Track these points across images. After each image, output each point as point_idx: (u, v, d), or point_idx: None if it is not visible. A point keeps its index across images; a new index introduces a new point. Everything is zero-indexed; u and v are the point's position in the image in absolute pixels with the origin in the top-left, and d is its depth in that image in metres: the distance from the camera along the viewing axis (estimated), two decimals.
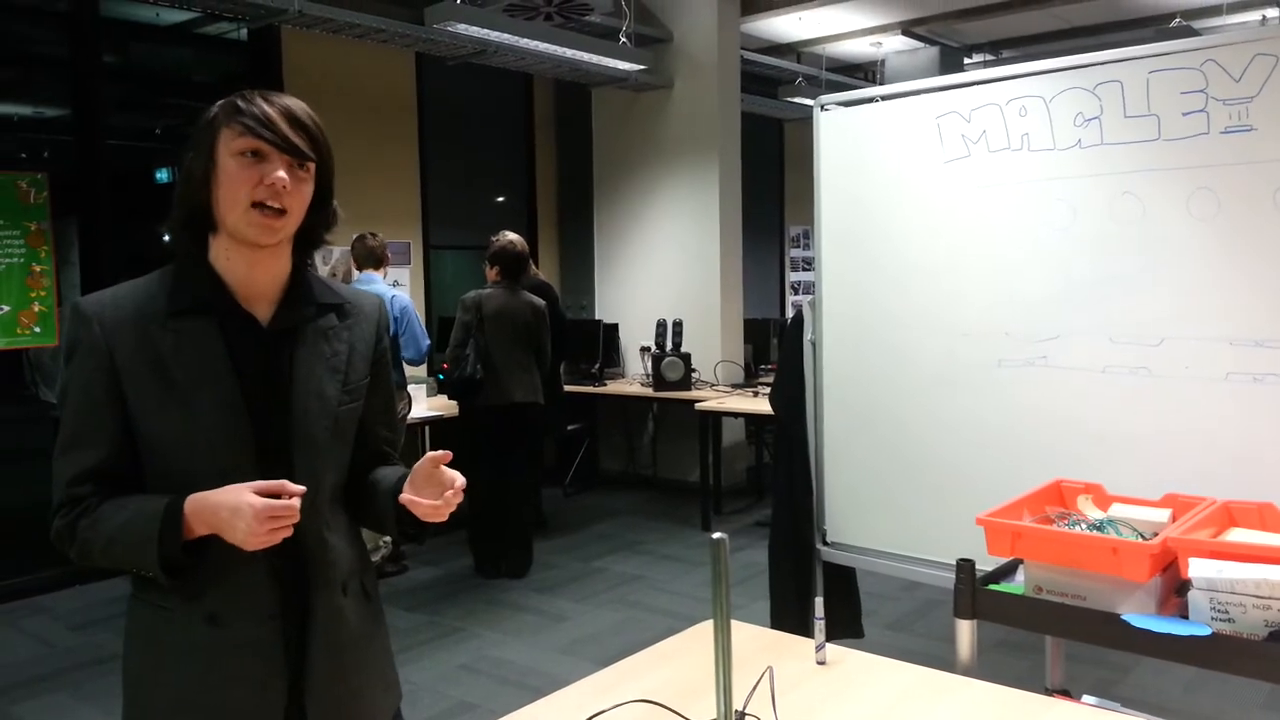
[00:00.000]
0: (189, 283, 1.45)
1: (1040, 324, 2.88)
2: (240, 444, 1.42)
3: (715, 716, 1.49)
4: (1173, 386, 2.63)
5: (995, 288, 2.97)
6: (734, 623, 2.05)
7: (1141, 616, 1.94)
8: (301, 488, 1.37)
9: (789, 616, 3.51)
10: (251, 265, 1.45)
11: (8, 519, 5.07)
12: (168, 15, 5.69)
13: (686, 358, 6.62)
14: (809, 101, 3.73)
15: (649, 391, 6.74)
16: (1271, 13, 7.26)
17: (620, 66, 6.55)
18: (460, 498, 1.43)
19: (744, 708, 1.65)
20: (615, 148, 7.53)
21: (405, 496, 1.44)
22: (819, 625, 1.98)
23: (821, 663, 1.95)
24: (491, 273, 5.31)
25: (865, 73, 9.50)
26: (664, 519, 6.49)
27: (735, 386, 6.76)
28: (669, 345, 6.73)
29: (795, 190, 9.93)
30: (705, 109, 7.01)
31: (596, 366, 7.10)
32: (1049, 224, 2.85)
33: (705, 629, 1.89)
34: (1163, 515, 2.16)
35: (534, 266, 6.06)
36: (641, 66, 6.67)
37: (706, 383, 6.81)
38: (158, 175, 6.05)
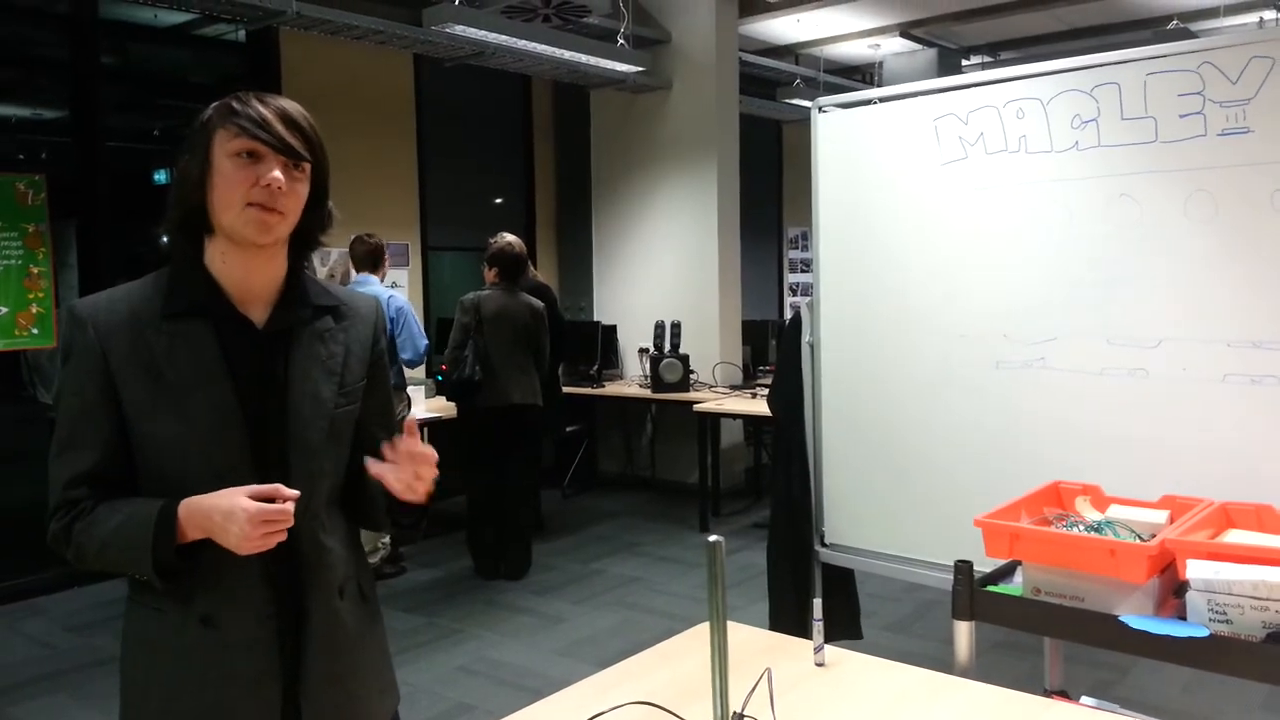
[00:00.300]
0: (184, 285, 1.44)
1: (1038, 326, 2.88)
2: (235, 446, 1.42)
3: (713, 718, 1.49)
4: (1171, 388, 2.63)
5: (993, 289, 2.97)
6: (732, 624, 2.05)
7: (1139, 618, 1.94)
8: (296, 492, 1.37)
9: (787, 618, 3.51)
10: (247, 267, 1.45)
11: (6, 520, 5.07)
12: (166, 17, 5.68)
13: (685, 359, 6.62)
14: (807, 103, 3.73)
15: (647, 393, 6.74)
16: (1269, 15, 7.27)
17: (618, 68, 6.56)
18: (428, 470, 1.43)
19: (742, 709, 1.65)
20: (613, 149, 7.53)
21: (371, 464, 1.44)
22: (817, 627, 1.98)
23: (820, 664, 1.95)
24: (490, 274, 5.31)
25: (863, 74, 9.51)
26: (662, 520, 6.49)
27: (733, 388, 6.76)
28: (667, 347, 6.73)
29: (793, 192, 9.93)
30: (703, 110, 7.01)
31: (595, 368, 7.10)
32: (1047, 226, 2.85)
33: (704, 630, 1.89)
34: (1160, 517, 2.16)
35: (532, 268, 6.06)
36: (639, 68, 6.68)
37: (705, 384, 6.82)
38: (156, 177, 6.06)
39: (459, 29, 5.55)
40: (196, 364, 1.41)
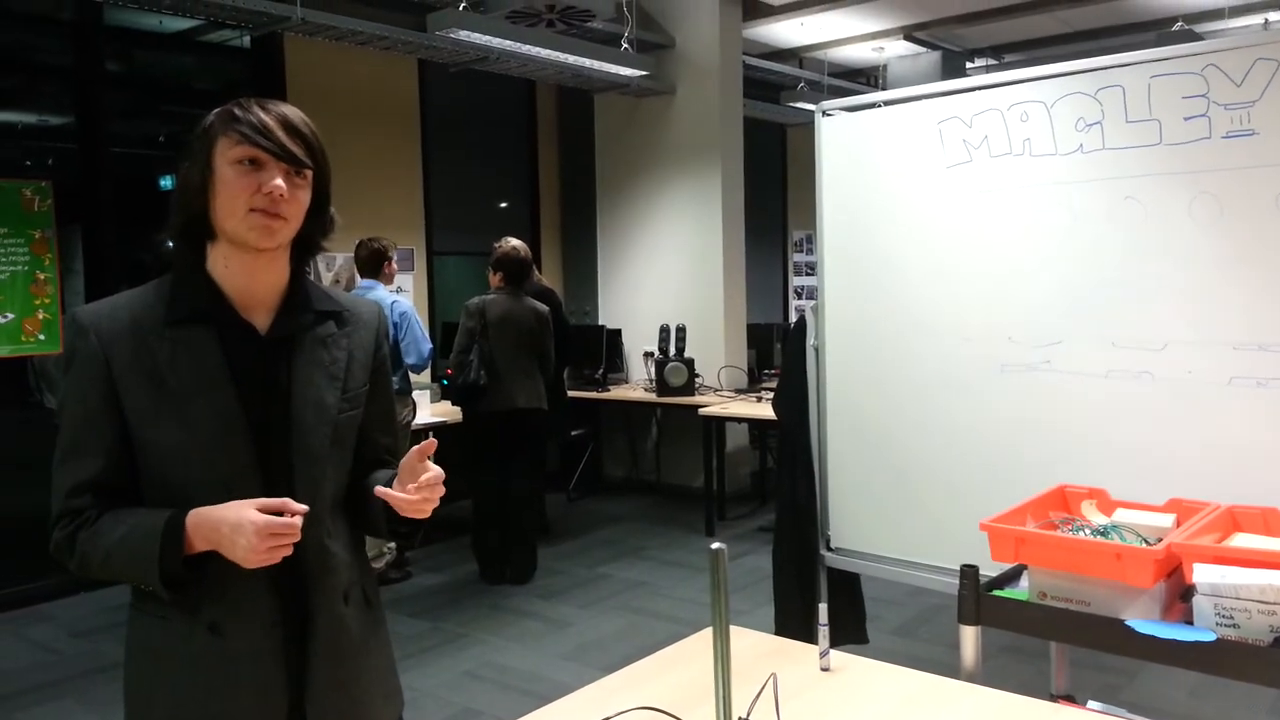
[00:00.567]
0: (186, 292, 1.45)
1: (1043, 329, 2.87)
2: (238, 453, 1.42)
3: None
4: (1176, 391, 2.62)
5: (997, 293, 2.97)
6: (738, 629, 2.05)
7: (1146, 622, 1.93)
8: (304, 506, 1.37)
9: (793, 622, 3.51)
10: (250, 273, 1.45)
11: (12, 526, 5.07)
12: (171, 23, 5.71)
13: (690, 363, 6.62)
14: (811, 107, 3.73)
15: (652, 397, 6.73)
16: (1274, 16, 7.25)
17: (622, 72, 6.57)
18: (437, 492, 1.42)
19: (748, 714, 1.65)
20: (618, 153, 7.54)
21: (380, 490, 1.44)
22: (823, 631, 1.97)
23: (825, 669, 1.94)
24: (495, 279, 5.31)
25: (867, 78, 9.51)
26: (667, 525, 6.49)
27: (739, 391, 6.76)
28: (672, 350, 6.73)
29: (798, 195, 9.93)
30: (707, 114, 7.01)
31: (600, 372, 7.10)
32: (1051, 229, 2.85)
33: (709, 635, 1.89)
34: (1167, 520, 2.15)
35: (537, 272, 6.07)
36: (643, 72, 6.68)
37: (710, 388, 6.81)
38: (162, 183, 6.06)
39: (463, 34, 5.57)
40: (199, 371, 1.42)
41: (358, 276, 5.25)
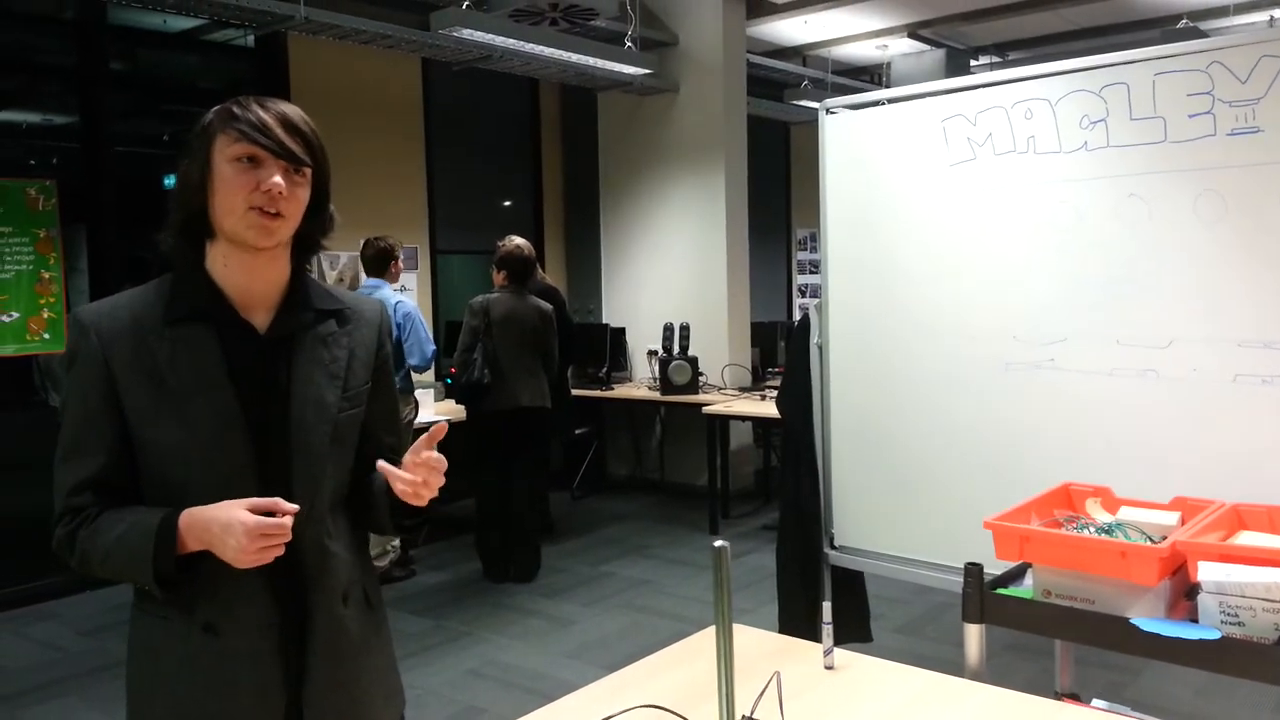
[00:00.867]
0: (186, 290, 1.45)
1: (1047, 327, 2.87)
2: (237, 452, 1.42)
3: None
4: (1181, 389, 2.62)
5: (1002, 291, 2.97)
6: (741, 627, 2.05)
7: (1150, 620, 1.93)
8: (294, 506, 1.37)
9: (797, 621, 3.50)
10: (249, 271, 1.45)
11: (17, 524, 5.09)
12: (175, 22, 5.71)
13: (693, 361, 6.62)
14: (815, 105, 3.73)
15: (656, 395, 6.73)
16: (1279, 13, 7.23)
17: (626, 70, 6.56)
18: (436, 477, 1.42)
19: (751, 712, 1.65)
20: (621, 151, 7.53)
21: (382, 464, 1.44)
22: (827, 629, 1.97)
23: (829, 667, 1.94)
24: (498, 277, 5.31)
25: (871, 75, 9.49)
26: (671, 523, 6.49)
27: (742, 390, 6.75)
28: (676, 349, 6.73)
29: (801, 193, 9.92)
30: (711, 112, 7.01)
31: (603, 370, 7.10)
32: (1055, 226, 2.84)
33: (712, 633, 1.89)
34: (1171, 518, 2.15)
35: (541, 271, 6.07)
36: (647, 70, 6.68)
37: (714, 386, 6.81)
38: (166, 182, 6.08)
39: (466, 33, 5.57)
40: (198, 370, 1.42)
41: (362, 275, 5.26)
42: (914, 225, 3.15)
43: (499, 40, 5.74)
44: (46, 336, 5.12)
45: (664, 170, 7.27)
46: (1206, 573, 1.88)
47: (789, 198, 10.04)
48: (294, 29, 5.45)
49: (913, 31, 7.89)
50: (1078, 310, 2.80)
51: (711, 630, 1.99)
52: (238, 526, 1.32)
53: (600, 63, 6.36)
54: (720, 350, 7.01)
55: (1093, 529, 2.11)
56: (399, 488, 1.43)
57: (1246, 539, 2.09)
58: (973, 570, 2.15)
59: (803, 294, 10.06)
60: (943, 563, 3.09)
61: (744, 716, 1.62)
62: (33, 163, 5.44)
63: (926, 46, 8.45)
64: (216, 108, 1.43)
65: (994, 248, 2.98)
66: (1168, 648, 1.90)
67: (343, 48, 5.92)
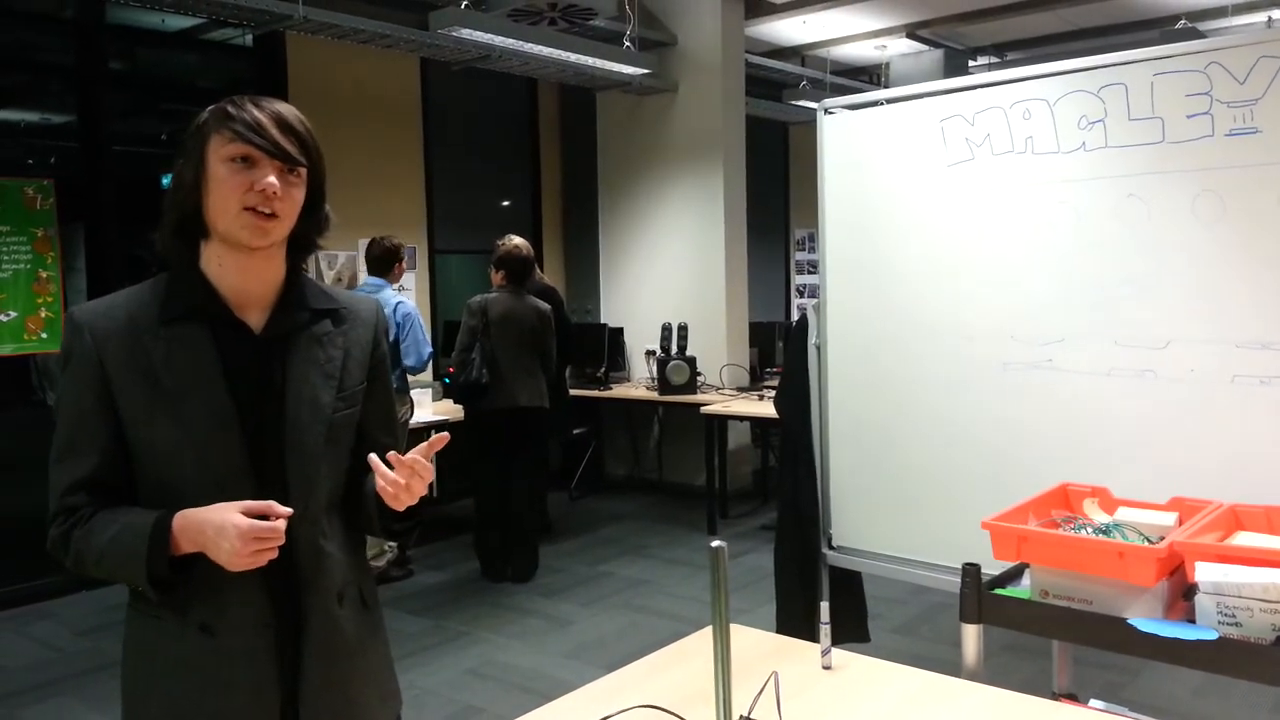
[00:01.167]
0: (181, 290, 1.44)
1: (1045, 327, 2.87)
2: (232, 452, 1.42)
3: None
4: (1178, 389, 2.62)
5: (1000, 291, 2.97)
6: (739, 627, 2.05)
7: (1148, 621, 1.93)
8: (288, 510, 1.37)
9: (795, 621, 3.50)
10: (244, 271, 1.45)
11: (16, 524, 5.08)
12: (173, 21, 5.70)
13: (692, 361, 6.62)
14: (813, 105, 3.73)
15: (654, 395, 6.73)
16: (1277, 14, 7.24)
17: (624, 70, 6.56)
18: (417, 482, 1.40)
19: (749, 713, 1.65)
20: (620, 151, 7.53)
21: (372, 458, 1.42)
22: (824, 629, 1.97)
23: (827, 667, 1.94)
24: (497, 277, 5.31)
25: (870, 76, 9.50)
26: (669, 523, 6.48)
27: (740, 390, 6.75)
28: (674, 349, 6.73)
29: (800, 193, 9.92)
30: (709, 112, 7.01)
31: (601, 370, 7.10)
32: (1053, 227, 2.84)
33: (710, 633, 1.89)
34: (1169, 519, 2.15)
35: (539, 271, 6.06)
36: (646, 70, 6.68)
37: (712, 386, 6.81)
38: (164, 181, 6.07)
39: (465, 32, 5.56)
40: (193, 370, 1.41)
41: (361, 275, 5.25)
42: (912, 225, 3.15)
43: (497, 40, 5.74)
44: (44, 336, 5.11)
45: (662, 170, 7.27)
46: (1204, 573, 1.88)
47: (787, 198, 10.04)
48: (292, 28, 5.45)
49: (911, 32, 7.90)
50: (1076, 310, 2.81)
51: (709, 630, 1.99)
52: (231, 530, 1.31)
53: (599, 63, 6.36)
54: (718, 350, 7.01)
55: (1090, 529, 2.11)
56: (380, 485, 1.41)
57: (1244, 539, 2.09)
58: (970, 570, 2.15)
59: (801, 294, 10.06)
60: (940, 563, 3.09)
61: (742, 716, 1.62)
62: (31, 162, 5.43)
63: (925, 47, 8.45)
64: (211, 107, 1.43)
65: (992, 248, 2.98)
66: (1165, 648, 1.90)
67: (341, 47, 5.92)
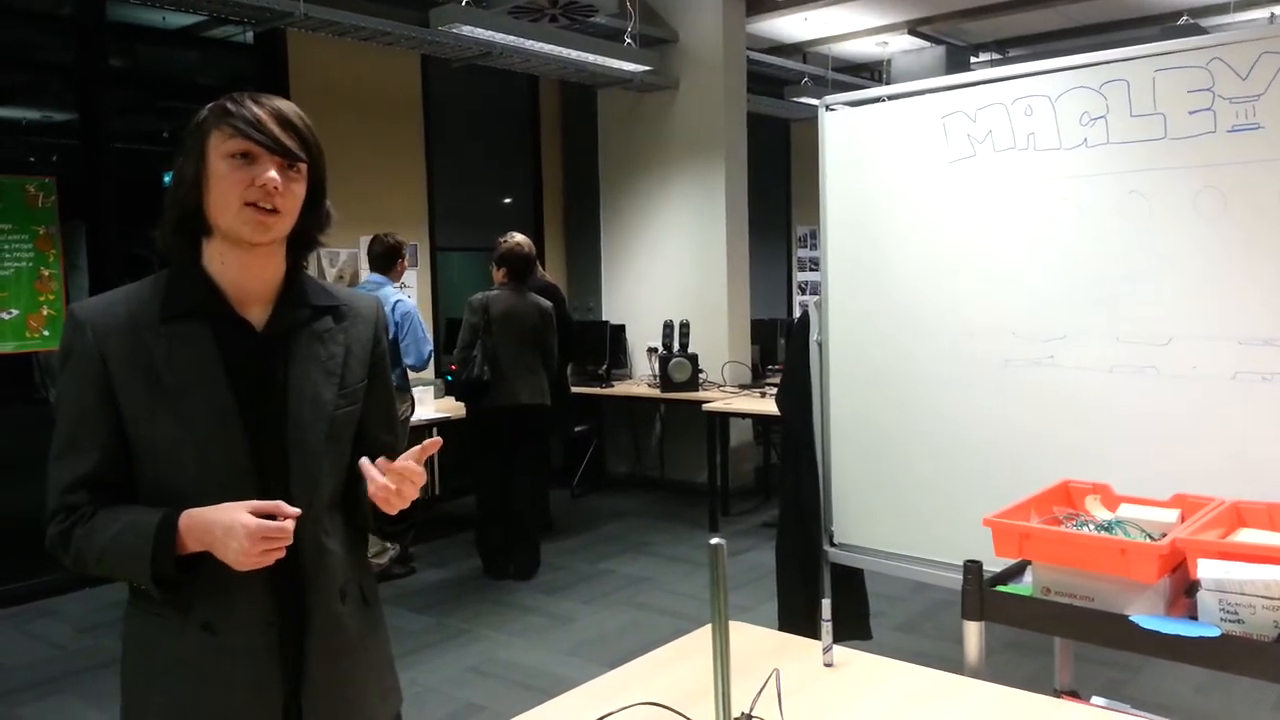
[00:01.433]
0: (182, 287, 1.44)
1: (1047, 324, 2.87)
2: (233, 449, 1.42)
3: None
4: (1180, 386, 2.62)
5: (1001, 287, 2.96)
6: (741, 624, 2.05)
7: (1150, 618, 1.93)
8: (297, 510, 1.37)
9: (796, 618, 3.50)
10: (245, 268, 1.45)
11: (17, 522, 5.09)
12: (174, 19, 5.70)
13: (693, 358, 6.62)
14: (815, 101, 3.73)
15: (656, 393, 6.73)
16: (1279, 10, 7.23)
17: (625, 67, 6.55)
18: (407, 487, 1.40)
19: (751, 710, 1.65)
20: (621, 148, 7.53)
21: (364, 462, 1.42)
22: (826, 627, 1.97)
23: (829, 664, 1.94)
24: (498, 274, 5.31)
25: (871, 72, 9.48)
26: (671, 520, 6.49)
27: (742, 387, 6.75)
28: (676, 346, 6.73)
29: (801, 190, 9.91)
30: (711, 109, 7.00)
31: (603, 368, 7.10)
32: (1055, 223, 2.84)
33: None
34: (1171, 516, 2.15)
35: (540, 268, 6.06)
36: (647, 67, 6.67)
37: (714, 383, 6.81)
38: (165, 178, 6.06)
39: (466, 29, 5.56)
40: (195, 367, 1.41)
41: (362, 272, 5.25)
42: (914, 222, 3.15)
43: (498, 37, 5.73)
44: (46, 334, 5.11)
45: (664, 167, 7.27)
46: (1206, 570, 1.88)
47: (789, 195, 10.03)
48: (293, 25, 5.45)
49: (913, 28, 7.88)
50: (1078, 307, 2.80)
51: (710, 627, 1.99)
52: (240, 530, 1.31)
53: (600, 59, 6.35)
54: (720, 347, 7.01)
55: (1092, 526, 2.10)
56: (371, 490, 1.41)
57: (1246, 536, 2.09)
58: (972, 567, 2.14)
59: (803, 291, 10.06)
60: (942, 560, 3.08)
61: (743, 713, 1.62)
62: (32, 159, 5.44)
63: (926, 43, 8.44)
64: (211, 104, 1.43)
65: (994, 244, 2.98)
66: (1167, 645, 1.89)
67: (342, 44, 5.92)
